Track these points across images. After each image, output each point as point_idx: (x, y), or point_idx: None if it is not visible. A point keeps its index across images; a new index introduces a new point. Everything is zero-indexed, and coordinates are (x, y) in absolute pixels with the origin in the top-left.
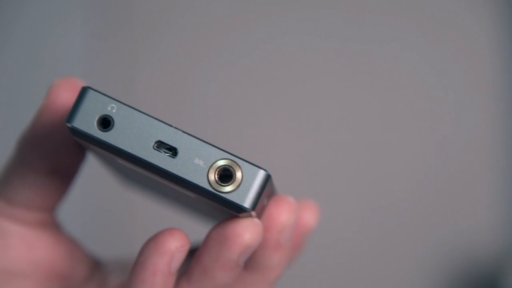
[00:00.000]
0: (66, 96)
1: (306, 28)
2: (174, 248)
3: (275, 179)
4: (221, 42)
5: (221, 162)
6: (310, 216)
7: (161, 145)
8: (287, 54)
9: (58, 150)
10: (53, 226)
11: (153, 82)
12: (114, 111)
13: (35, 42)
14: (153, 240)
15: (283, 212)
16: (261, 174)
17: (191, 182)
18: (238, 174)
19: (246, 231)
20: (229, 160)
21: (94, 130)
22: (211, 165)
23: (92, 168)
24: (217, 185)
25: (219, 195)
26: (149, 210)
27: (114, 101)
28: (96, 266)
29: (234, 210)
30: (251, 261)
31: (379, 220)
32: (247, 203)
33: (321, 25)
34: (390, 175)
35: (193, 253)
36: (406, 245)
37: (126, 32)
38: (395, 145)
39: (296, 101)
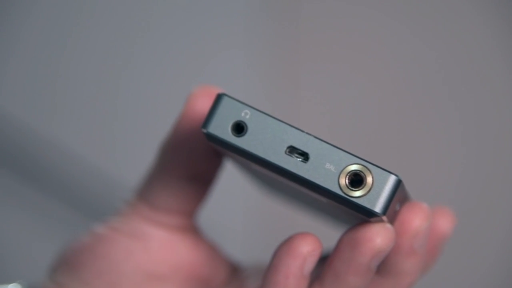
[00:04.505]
0: (203, 103)
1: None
2: (307, 251)
3: (408, 185)
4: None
5: (352, 167)
6: (445, 223)
7: (293, 150)
8: (410, 52)
9: (197, 156)
10: (193, 230)
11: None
12: (247, 117)
13: (193, 51)
14: (286, 244)
15: (416, 218)
16: (392, 179)
17: (322, 186)
18: (369, 179)
19: (377, 236)
20: (360, 165)
21: (228, 135)
22: (342, 170)
23: (230, 173)
24: (348, 189)
25: (349, 200)
26: (282, 215)
27: (247, 107)
28: (234, 270)
29: (365, 215)
30: (385, 266)
31: None
32: (377, 208)
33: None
34: None
35: (325, 258)
36: None
37: (288, 44)
38: None
39: (429, 103)
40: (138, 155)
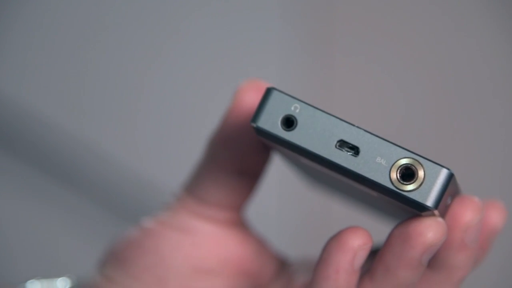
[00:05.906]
0: (251, 98)
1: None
2: (357, 246)
3: (459, 178)
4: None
5: (403, 161)
6: (496, 216)
7: (343, 144)
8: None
9: (245, 150)
10: (241, 225)
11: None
12: (297, 111)
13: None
14: (336, 238)
15: (467, 212)
16: (443, 173)
17: (373, 180)
18: (420, 173)
19: (428, 230)
20: (411, 159)
21: (277, 129)
22: (393, 164)
23: (280, 168)
24: (399, 183)
25: (401, 194)
26: (332, 209)
27: (297, 101)
28: (282, 265)
29: (417, 209)
30: (436, 261)
31: None
32: (429, 202)
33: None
34: None
35: (376, 252)
36: None
37: (323, 40)
38: None
39: (472, 92)
40: (177, 158)
